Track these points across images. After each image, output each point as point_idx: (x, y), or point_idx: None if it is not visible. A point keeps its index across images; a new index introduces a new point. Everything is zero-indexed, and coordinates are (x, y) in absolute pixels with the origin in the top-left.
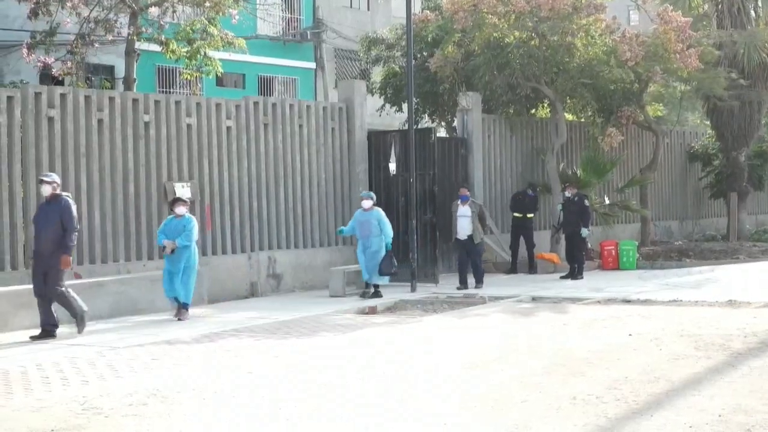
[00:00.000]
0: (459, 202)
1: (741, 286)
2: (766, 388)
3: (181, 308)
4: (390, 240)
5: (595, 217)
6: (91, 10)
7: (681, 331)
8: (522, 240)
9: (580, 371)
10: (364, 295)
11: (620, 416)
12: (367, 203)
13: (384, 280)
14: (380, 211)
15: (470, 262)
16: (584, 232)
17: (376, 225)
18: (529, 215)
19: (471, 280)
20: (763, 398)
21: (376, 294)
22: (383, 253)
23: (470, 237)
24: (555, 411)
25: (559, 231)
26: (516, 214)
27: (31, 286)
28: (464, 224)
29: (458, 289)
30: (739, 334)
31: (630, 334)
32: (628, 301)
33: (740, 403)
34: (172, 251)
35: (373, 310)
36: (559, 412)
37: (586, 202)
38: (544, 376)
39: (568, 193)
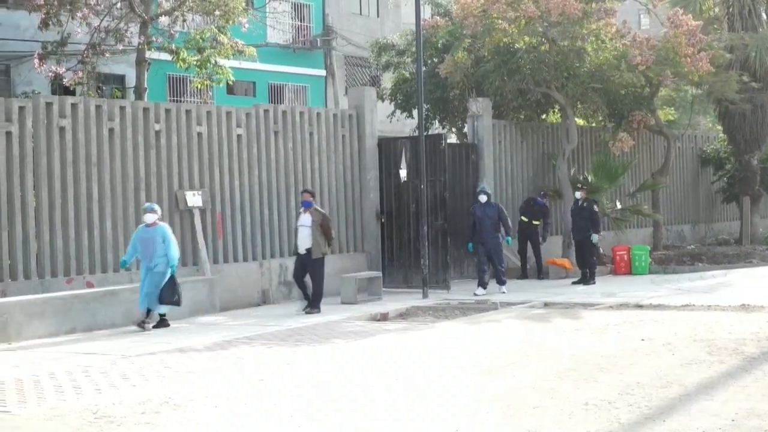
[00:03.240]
0: (301, 209)
1: (754, 290)
2: None
3: (158, 317)
4: (174, 264)
5: (607, 222)
6: (102, 20)
7: (694, 336)
8: (530, 246)
9: (592, 376)
10: (142, 326)
11: (633, 422)
12: (150, 217)
13: (164, 310)
14: (166, 228)
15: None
16: (595, 238)
17: (161, 244)
18: (535, 222)
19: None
20: None
21: (163, 323)
22: (168, 276)
23: (308, 251)
24: (568, 416)
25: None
26: (523, 218)
27: (43, 296)
28: (303, 236)
29: (305, 311)
30: (753, 339)
31: (642, 339)
32: (640, 306)
33: (754, 407)
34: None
35: (385, 317)
36: (571, 418)
37: (596, 208)
38: (556, 381)
39: (578, 195)
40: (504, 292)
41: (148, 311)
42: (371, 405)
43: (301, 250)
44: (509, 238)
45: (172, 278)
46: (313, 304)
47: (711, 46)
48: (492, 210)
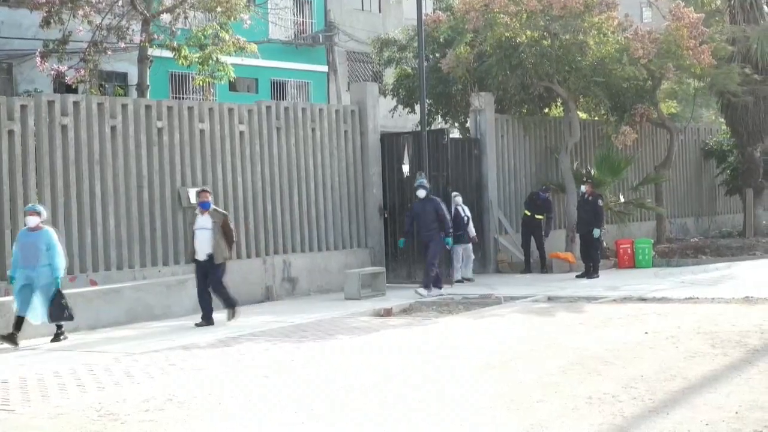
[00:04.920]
0: (198, 210)
1: (758, 283)
2: None
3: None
4: (60, 276)
5: (610, 216)
6: (103, 18)
7: (697, 329)
8: (534, 239)
9: (596, 370)
10: (8, 339)
11: (636, 415)
12: (31, 220)
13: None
14: (51, 233)
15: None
16: (596, 232)
17: (45, 251)
18: (538, 216)
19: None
20: None
21: (58, 337)
22: (54, 289)
23: (210, 257)
24: (572, 410)
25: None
26: (526, 212)
27: None
28: (203, 240)
29: (197, 325)
30: (756, 331)
31: (646, 332)
32: (644, 300)
33: (757, 399)
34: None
35: (388, 313)
36: (575, 412)
37: (600, 203)
38: (560, 375)
39: (583, 188)
40: (422, 295)
41: (20, 320)
42: (375, 400)
43: (201, 257)
44: (449, 239)
45: (59, 293)
46: (205, 317)
47: (713, 39)
48: (431, 206)
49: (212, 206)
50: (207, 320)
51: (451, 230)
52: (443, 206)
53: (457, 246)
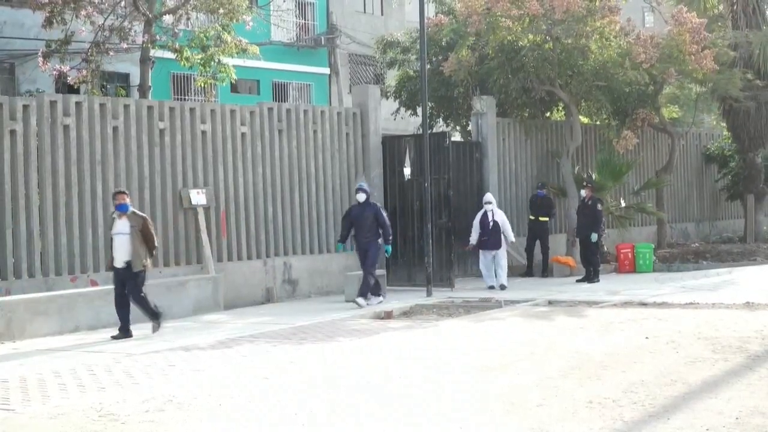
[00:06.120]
0: (115, 214)
1: (758, 288)
2: None
3: None
4: None
5: (611, 220)
6: (106, 19)
7: (698, 334)
8: (539, 244)
9: (596, 374)
10: None
11: (636, 420)
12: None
13: None
14: None
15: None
16: (593, 237)
17: None
18: (542, 218)
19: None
20: None
21: None
22: None
23: (129, 264)
24: (571, 414)
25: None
26: (530, 217)
27: (47, 294)
28: (121, 246)
29: (113, 337)
30: (757, 337)
31: (646, 337)
32: (644, 304)
33: (758, 405)
34: None
35: (389, 315)
36: (575, 416)
37: (599, 207)
38: (560, 379)
39: (584, 193)
40: (359, 305)
41: None
42: (375, 403)
43: (119, 264)
44: (388, 247)
45: None
46: (122, 329)
47: (715, 44)
48: (371, 211)
49: (131, 209)
50: (124, 332)
51: (390, 237)
52: (383, 212)
53: (483, 252)
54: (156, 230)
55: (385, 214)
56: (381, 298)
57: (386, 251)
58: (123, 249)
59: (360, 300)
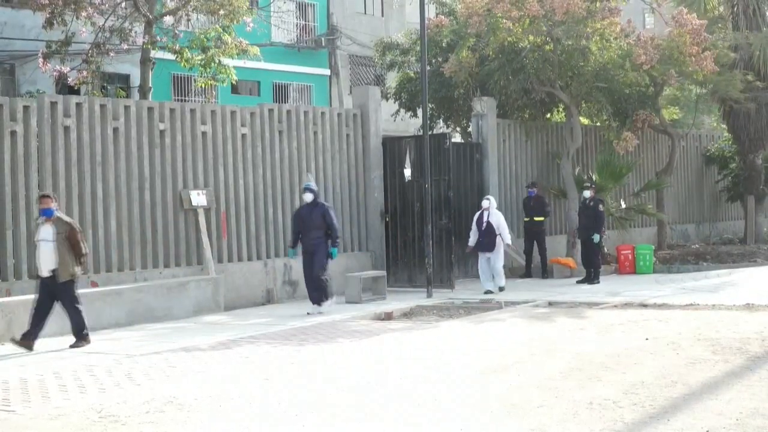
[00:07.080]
0: (40, 219)
1: (759, 290)
2: None
3: None
4: None
5: (611, 222)
6: (106, 20)
7: (698, 335)
8: (536, 245)
9: (596, 376)
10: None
11: (637, 421)
12: None
13: None
14: None
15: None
16: (595, 237)
17: None
18: (537, 218)
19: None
20: None
21: None
22: None
23: (54, 273)
24: (572, 416)
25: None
26: (525, 218)
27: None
28: (45, 253)
29: (21, 342)
30: (757, 338)
31: (647, 338)
32: (644, 305)
33: (758, 406)
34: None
35: (389, 316)
36: (576, 417)
37: (601, 208)
38: (561, 380)
39: (587, 193)
40: (313, 313)
41: None
42: (376, 404)
43: (44, 273)
44: (334, 250)
45: None
46: (79, 336)
47: (715, 45)
48: (318, 211)
49: (56, 214)
50: (27, 338)
51: (338, 240)
52: (331, 213)
53: (480, 254)
54: (156, 231)
55: (333, 215)
56: (333, 300)
57: (331, 253)
58: (47, 257)
59: (317, 308)
